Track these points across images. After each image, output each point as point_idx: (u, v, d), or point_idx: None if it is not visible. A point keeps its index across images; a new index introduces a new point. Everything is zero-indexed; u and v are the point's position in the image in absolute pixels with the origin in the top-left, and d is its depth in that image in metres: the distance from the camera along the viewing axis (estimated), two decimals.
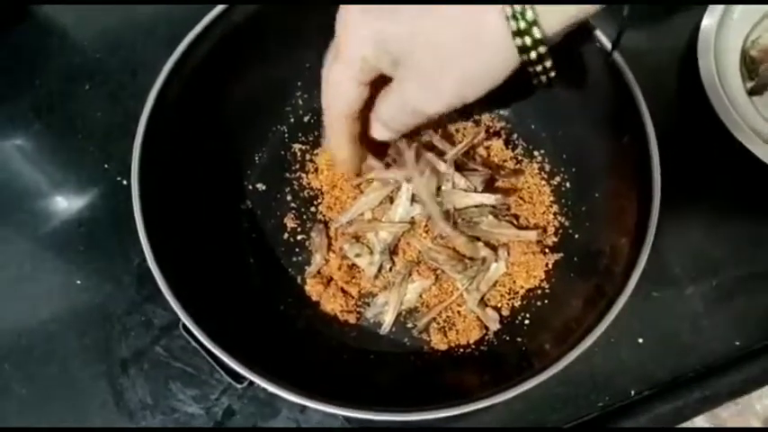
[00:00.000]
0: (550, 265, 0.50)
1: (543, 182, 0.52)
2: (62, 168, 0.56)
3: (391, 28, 0.32)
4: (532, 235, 0.49)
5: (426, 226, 0.49)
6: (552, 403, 0.49)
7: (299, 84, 0.53)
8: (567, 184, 0.52)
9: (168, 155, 0.45)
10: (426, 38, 0.32)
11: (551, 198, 0.52)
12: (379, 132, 0.40)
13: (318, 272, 0.50)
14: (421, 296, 0.49)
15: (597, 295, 0.43)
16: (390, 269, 0.50)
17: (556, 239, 0.51)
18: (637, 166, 0.43)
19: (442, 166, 0.47)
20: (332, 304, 0.49)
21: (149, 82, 0.43)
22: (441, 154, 0.49)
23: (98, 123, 0.56)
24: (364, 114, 0.39)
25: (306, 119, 0.54)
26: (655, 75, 0.49)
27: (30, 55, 0.58)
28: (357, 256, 0.50)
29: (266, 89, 0.52)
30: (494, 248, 0.49)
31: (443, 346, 0.48)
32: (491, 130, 0.53)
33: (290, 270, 0.51)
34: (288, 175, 0.53)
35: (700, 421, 0.50)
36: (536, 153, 0.53)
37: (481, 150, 0.52)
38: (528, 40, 0.31)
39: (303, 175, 0.53)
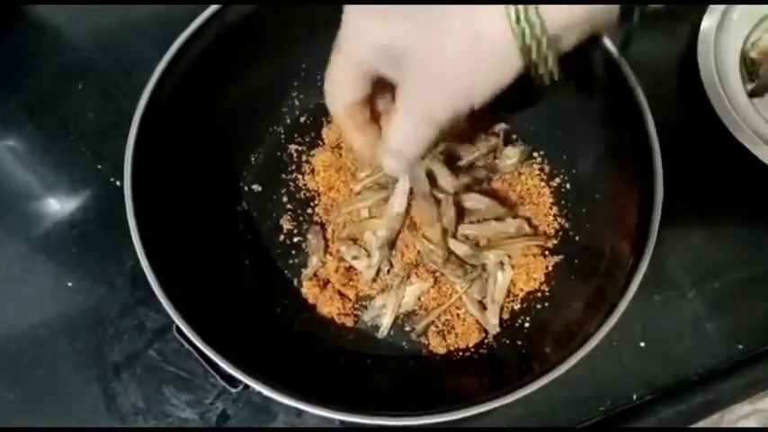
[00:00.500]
0: (550, 268, 0.49)
1: (543, 183, 0.52)
2: (54, 169, 0.55)
3: (392, 33, 0.32)
4: (541, 241, 0.48)
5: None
6: (553, 408, 0.48)
7: (296, 84, 0.53)
8: (567, 186, 0.51)
9: (162, 155, 0.44)
10: (428, 43, 0.31)
11: (551, 199, 0.51)
12: (391, 166, 0.38)
13: (315, 274, 0.50)
14: (419, 299, 0.49)
15: (598, 298, 0.42)
16: (388, 271, 0.49)
17: (556, 241, 0.50)
18: (638, 167, 0.42)
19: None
20: (329, 307, 0.48)
21: (143, 81, 0.42)
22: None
23: (91, 124, 0.55)
24: (373, 103, 0.38)
25: (302, 119, 0.54)
26: (655, 76, 0.49)
27: (22, 55, 0.57)
28: (354, 258, 0.49)
29: (262, 89, 0.51)
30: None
31: (442, 350, 0.48)
32: (489, 131, 0.53)
33: (286, 272, 0.50)
34: (284, 176, 0.52)
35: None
36: (535, 154, 0.53)
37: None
38: (532, 43, 0.30)
39: (299, 176, 0.52)
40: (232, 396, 0.48)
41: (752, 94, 0.55)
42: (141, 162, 0.42)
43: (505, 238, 0.49)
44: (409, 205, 0.48)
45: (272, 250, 0.51)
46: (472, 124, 0.51)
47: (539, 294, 0.49)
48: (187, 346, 0.39)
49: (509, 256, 0.49)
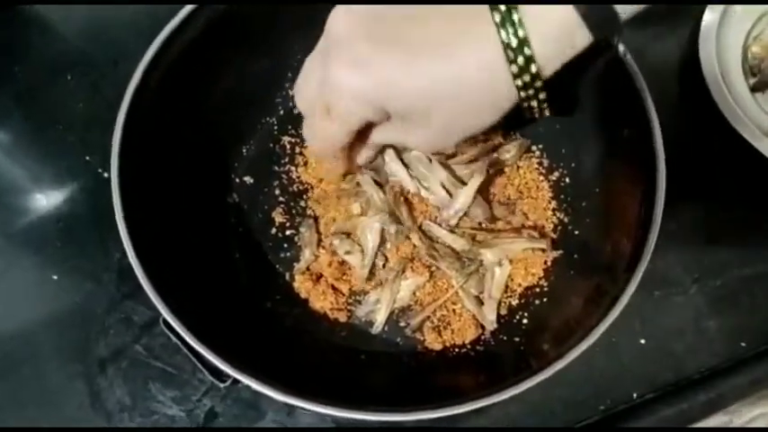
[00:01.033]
0: (549, 263, 0.48)
1: (542, 177, 0.51)
2: (41, 161, 0.54)
3: (380, 86, 0.30)
4: (543, 244, 0.47)
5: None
6: (551, 406, 0.47)
7: (290, 75, 0.52)
8: (567, 180, 0.50)
9: (151, 146, 0.43)
10: (419, 92, 0.30)
11: (550, 194, 0.50)
12: (364, 157, 0.40)
13: (308, 268, 0.49)
14: (414, 294, 0.48)
15: (597, 294, 0.41)
16: (384, 266, 0.48)
17: (555, 236, 0.49)
18: (639, 161, 0.41)
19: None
20: (321, 302, 0.47)
21: (132, 71, 0.41)
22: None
23: (80, 114, 0.54)
24: None
25: (296, 111, 0.52)
26: (656, 70, 0.48)
27: (10, 45, 0.56)
28: (347, 253, 0.48)
29: (255, 80, 0.50)
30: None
31: (438, 346, 0.46)
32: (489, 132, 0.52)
33: (278, 266, 0.49)
34: (276, 168, 0.51)
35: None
36: (534, 147, 0.52)
37: None
38: (526, 78, 0.29)
39: (292, 168, 0.51)
40: (220, 393, 0.46)
41: (754, 89, 0.54)
42: (129, 152, 0.41)
43: (506, 232, 0.48)
44: (404, 197, 0.48)
45: (264, 243, 0.49)
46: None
47: (537, 290, 0.48)
48: (174, 339, 0.38)
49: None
